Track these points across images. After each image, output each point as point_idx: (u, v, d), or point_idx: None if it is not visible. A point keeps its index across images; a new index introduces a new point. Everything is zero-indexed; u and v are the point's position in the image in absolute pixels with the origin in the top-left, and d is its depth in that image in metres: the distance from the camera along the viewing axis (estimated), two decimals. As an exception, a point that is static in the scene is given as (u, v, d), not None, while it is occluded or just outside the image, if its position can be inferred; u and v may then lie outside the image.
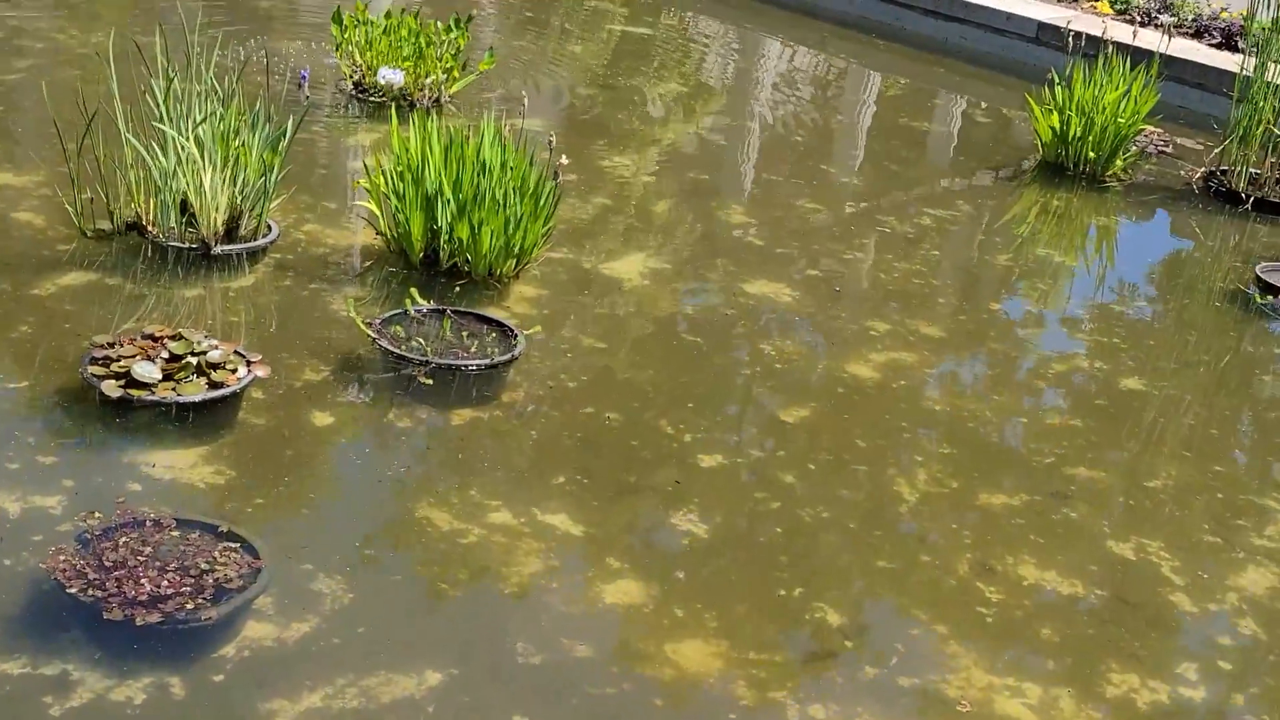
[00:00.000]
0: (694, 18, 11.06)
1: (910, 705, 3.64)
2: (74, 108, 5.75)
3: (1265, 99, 7.71)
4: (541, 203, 5.55)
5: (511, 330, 5.08)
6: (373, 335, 4.87)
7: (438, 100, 7.44)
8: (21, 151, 6.41)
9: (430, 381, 4.76)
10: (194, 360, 4.52)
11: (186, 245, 5.44)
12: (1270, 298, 6.49)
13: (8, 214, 5.70)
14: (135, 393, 4.39)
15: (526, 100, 6.21)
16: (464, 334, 5.02)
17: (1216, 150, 8.12)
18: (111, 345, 4.60)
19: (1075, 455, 4.98)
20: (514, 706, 3.46)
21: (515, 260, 5.55)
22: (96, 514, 3.83)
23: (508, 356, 4.92)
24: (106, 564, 3.57)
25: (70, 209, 5.52)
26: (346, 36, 7.53)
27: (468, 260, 5.48)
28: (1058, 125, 7.90)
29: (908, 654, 3.84)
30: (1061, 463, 4.92)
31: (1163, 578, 4.31)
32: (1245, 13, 8.12)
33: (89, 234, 5.49)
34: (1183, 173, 8.22)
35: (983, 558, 4.29)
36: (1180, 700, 3.79)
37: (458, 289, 5.44)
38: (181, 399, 4.40)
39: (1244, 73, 7.90)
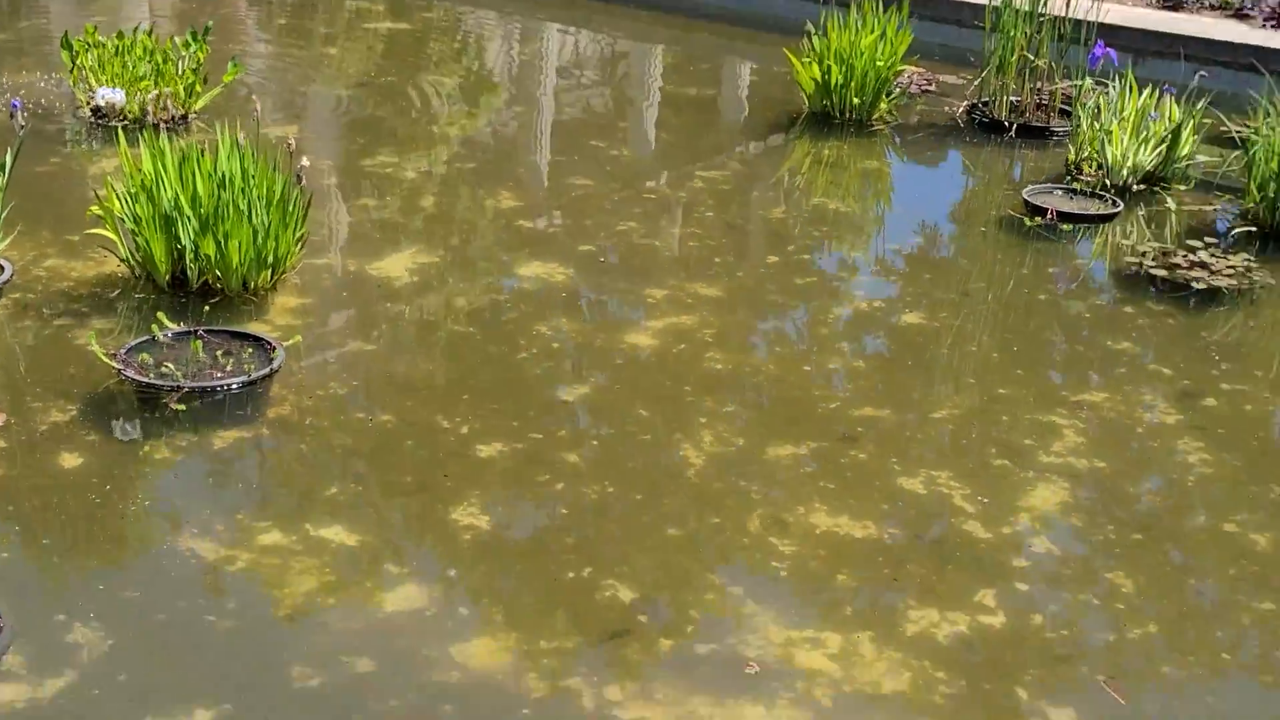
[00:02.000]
0: (455, 9, 10.84)
1: (709, 673, 3.52)
2: None
3: (1016, 27, 7.79)
4: (290, 208, 5.31)
5: (269, 343, 4.85)
6: (117, 366, 4.60)
7: (184, 117, 7.12)
8: None
9: (184, 407, 4.50)
10: (-79, 416, 4.22)
11: (-87, 297, 5.10)
12: (1039, 219, 6.55)
13: None
14: None
15: (259, 105, 5.97)
16: (219, 353, 4.77)
17: (976, 83, 8.19)
18: None
19: (860, 397, 4.92)
20: (291, 735, 3.26)
21: (270, 271, 5.31)
22: None
23: (266, 371, 4.69)
24: None
25: None
26: (78, 62, 7.17)
27: (219, 276, 5.23)
28: (819, 75, 7.88)
29: (704, 621, 3.72)
30: (847, 406, 4.86)
31: (955, 508, 4.27)
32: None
33: None
34: (947, 109, 8.27)
35: (774, 512, 4.20)
36: (980, 628, 3.74)
37: (211, 308, 5.18)
38: (-90, 459, 4.11)
39: (993, 3, 7.98)
